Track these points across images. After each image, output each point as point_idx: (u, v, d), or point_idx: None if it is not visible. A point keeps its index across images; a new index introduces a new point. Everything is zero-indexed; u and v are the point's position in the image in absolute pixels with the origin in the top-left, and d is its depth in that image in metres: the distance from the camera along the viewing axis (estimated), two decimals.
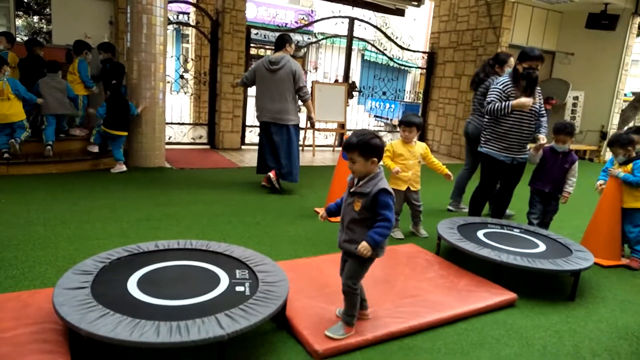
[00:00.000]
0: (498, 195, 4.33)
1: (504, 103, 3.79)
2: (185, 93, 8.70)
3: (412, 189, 3.93)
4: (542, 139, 3.85)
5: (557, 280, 3.34)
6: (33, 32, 14.15)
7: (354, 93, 9.39)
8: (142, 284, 2.29)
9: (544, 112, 4.00)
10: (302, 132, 8.78)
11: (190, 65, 8.66)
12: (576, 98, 10.13)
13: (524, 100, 3.74)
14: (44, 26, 12.05)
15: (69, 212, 3.90)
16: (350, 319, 2.28)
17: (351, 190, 2.24)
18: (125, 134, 5.59)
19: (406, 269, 3.16)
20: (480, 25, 8.90)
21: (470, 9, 9.11)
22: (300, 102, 5.21)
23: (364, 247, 2.11)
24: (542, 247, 3.41)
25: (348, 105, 8.90)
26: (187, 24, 9.49)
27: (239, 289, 2.34)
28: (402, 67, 11.80)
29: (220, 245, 2.84)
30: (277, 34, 7.65)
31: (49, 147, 5.33)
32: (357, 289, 2.27)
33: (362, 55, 19.64)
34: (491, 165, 4.07)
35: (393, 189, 3.92)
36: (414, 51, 10.16)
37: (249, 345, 2.20)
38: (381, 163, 3.76)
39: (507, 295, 2.88)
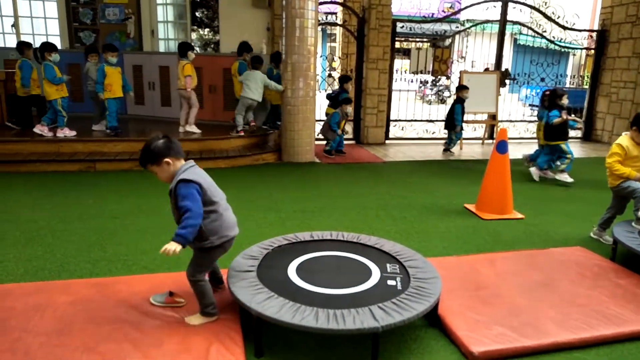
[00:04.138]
0: None
1: None
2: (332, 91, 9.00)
3: None
4: None
5: None
6: (204, 43, 16.07)
7: (506, 81, 8.72)
8: (300, 271, 2.46)
9: None
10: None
11: (337, 63, 8.95)
12: None
13: None
14: (212, 37, 13.66)
15: (236, 200, 4.33)
16: (205, 308, 2.19)
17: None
18: None
19: (572, 275, 2.84)
20: None
21: None
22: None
23: (170, 245, 1.95)
24: None
25: (500, 95, 8.31)
26: (335, 24, 9.83)
27: (390, 282, 2.36)
28: (564, 50, 10.57)
29: (370, 239, 2.90)
30: (423, 25, 7.41)
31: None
32: (197, 280, 2.18)
33: (515, 40, 18.13)
34: None
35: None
36: (579, 30, 9.01)
37: (400, 339, 2.21)
38: (620, 171, 3.22)
39: None
